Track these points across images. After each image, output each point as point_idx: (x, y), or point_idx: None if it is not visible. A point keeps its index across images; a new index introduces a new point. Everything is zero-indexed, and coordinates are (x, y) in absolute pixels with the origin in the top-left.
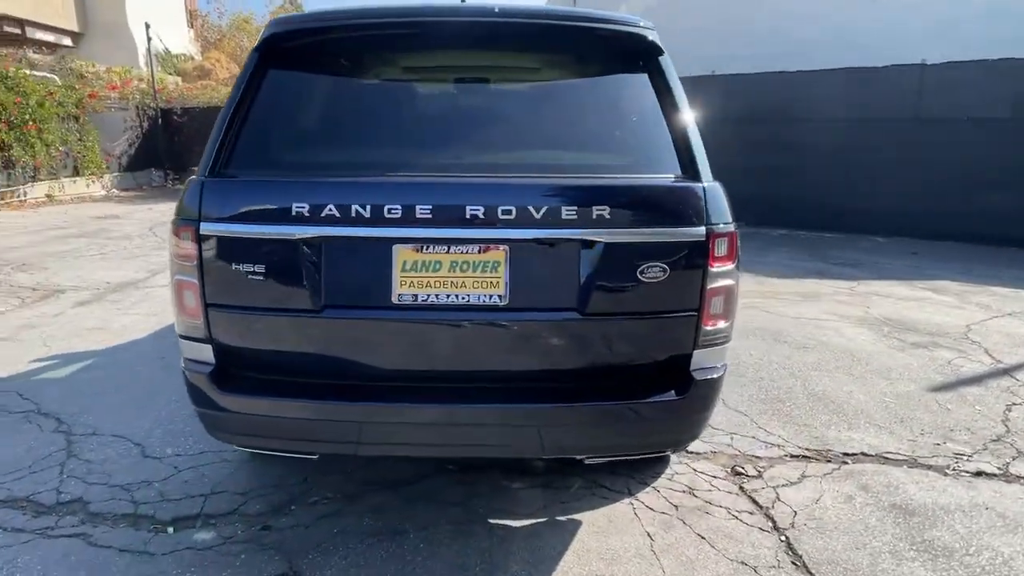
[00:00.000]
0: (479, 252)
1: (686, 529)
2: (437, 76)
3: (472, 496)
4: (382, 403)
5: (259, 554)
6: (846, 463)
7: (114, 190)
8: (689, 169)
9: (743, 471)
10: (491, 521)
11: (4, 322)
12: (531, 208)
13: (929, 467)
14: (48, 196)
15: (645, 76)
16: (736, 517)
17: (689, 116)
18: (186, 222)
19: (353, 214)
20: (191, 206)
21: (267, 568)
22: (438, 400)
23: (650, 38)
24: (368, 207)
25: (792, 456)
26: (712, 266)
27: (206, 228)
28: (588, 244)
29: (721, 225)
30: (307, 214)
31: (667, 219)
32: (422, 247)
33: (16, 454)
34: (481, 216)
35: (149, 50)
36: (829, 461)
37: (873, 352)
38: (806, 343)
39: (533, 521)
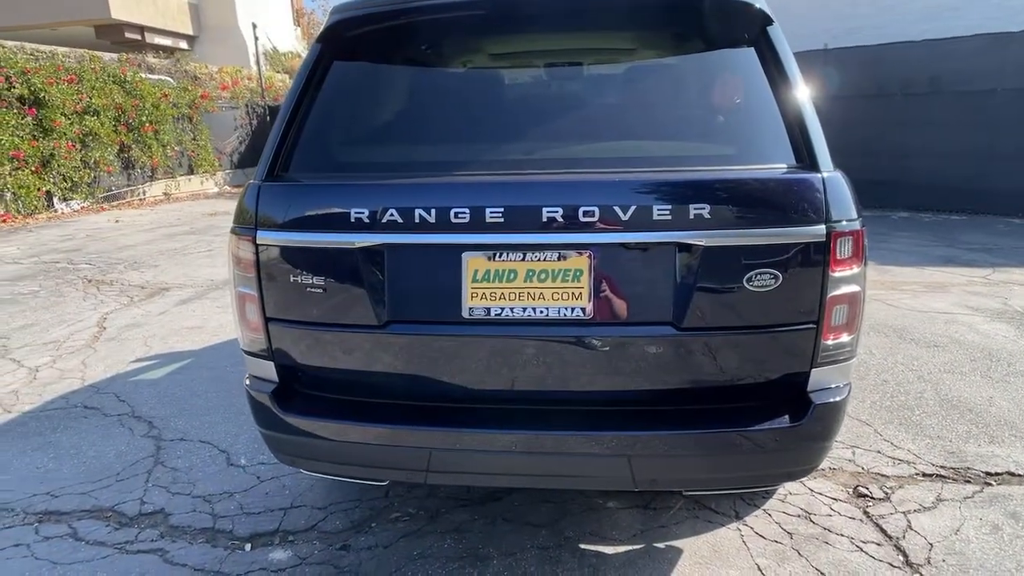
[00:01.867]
0: (558, 259)
1: (802, 562)
2: (512, 62)
3: (561, 517)
4: (452, 428)
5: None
6: (990, 484)
7: (226, 187)
8: (805, 157)
9: (867, 492)
10: (582, 547)
11: (113, 321)
12: (617, 208)
13: None
14: (165, 194)
15: (752, 51)
16: (860, 548)
17: (805, 95)
18: (243, 230)
19: (416, 219)
20: (248, 212)
21: None
22: (514, 426)
23: (757, 6)
24: (432, 211)
25: (924, 475)
26: (834, 270)
27: (263, 236)
28: (685, 248)
29: (845, 222)
30: (367, 220)
31: (778, 217)
32: (494, 255)
33: (107, 460)
34: (559, 219)
35: (257, 50)
36: (969, 482)
37: (1016, 352)
38: (936, 341)
39: (628, 548)
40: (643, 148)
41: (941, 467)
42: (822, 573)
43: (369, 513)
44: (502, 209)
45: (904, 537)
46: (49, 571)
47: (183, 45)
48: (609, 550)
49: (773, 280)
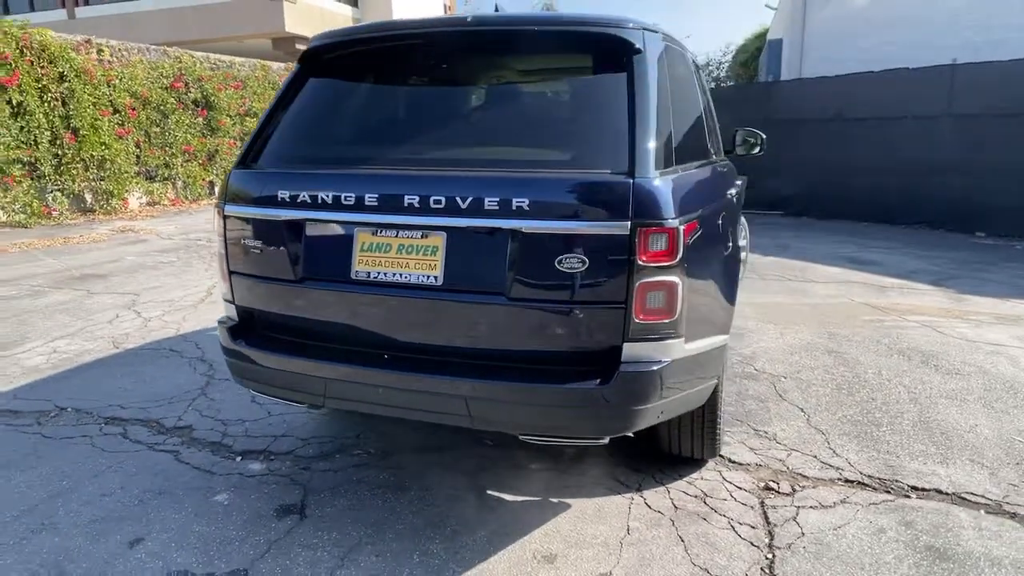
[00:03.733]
0: (421, 237)
1: (671, 530)
2: (418, 81)
3: (485, 469)
4: (339, 364)
5: (286, 487)
6: (907, 497)
7: None
8: (630, 165)
9: (776, 488)
10: (488, 492)
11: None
12: (459, 199)
13: (1012, 515)
14: None
15: (616, 76)
16: (733, 528)
17: (651, 114)
18: (219, 204)
19: (320, 201)
20: (222, 191)
21: (284, 497)
22: (383, 366)
23: (623, 37)
24: (333, 195)
25: (846, 481)
26: (642, 260)
27: (228, 209)
28: (512, 233)
29: (654, 221)
30: (289, 200)
31: (586, 212)
32: (376, 231)
33: (169, 388)
34: (417, 205)
35: None
36: (888, 492)
37: None
38: (960, 369)
39: (526, 498)
40: (503, 152)
41: (868, 476)
42: (682, 539)
43: (338, 447)
44: (378, 196)
45: (782, 525)
46: (98, 455)
47: None
48: (509, 498)
49: (581, 264)
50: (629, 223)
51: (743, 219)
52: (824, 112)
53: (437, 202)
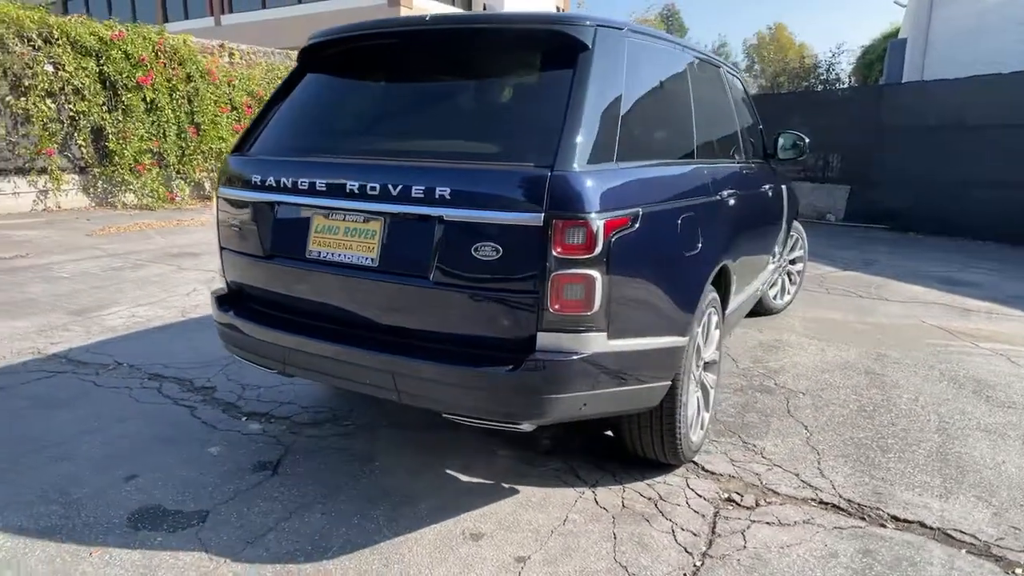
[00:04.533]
0: (363, 222)
1: (608, 526)
2: (379, 77)
3: (456, 451)
4: (295, 335)
5: (271, 446)
6: (882, 526)
7: None
8: (553, 158)
9: (738, 500)
10: (447, 472)
11: None
12: (391, 186)
13: (998, 559)
14: None
15: (560, 72)
16: (672, 533)
17: (589, 110)
18: (216, 186)
19: (283, 185)
20: (219, 174)
21: (265, 455)
22: (327, 339)
23: (570, 34)
24: (293, 181)
25: (820, 502)
26: (556, 251)
27: (222, 191)
28: (436, 220)
29: (571, 214)
30: (259, 184)
31: (501, 202)
32: (328, 214)
33: (210, 355)
34: (357, 191)
35: None
36: (862, 519)
37: None
38: (1016, 403)
39: (480, 481)
40: (443, 145)
41: (846, 500)
42: (616, 536)
43: (330, 417)
44: (326, 182)
45: (727, 536)
46: (131, 404)
47: None
48: (464, 478)
49: (497, 253)
50: (543, 215)
51: (799, 228)
52: (942, 118)
53: (373, 189)
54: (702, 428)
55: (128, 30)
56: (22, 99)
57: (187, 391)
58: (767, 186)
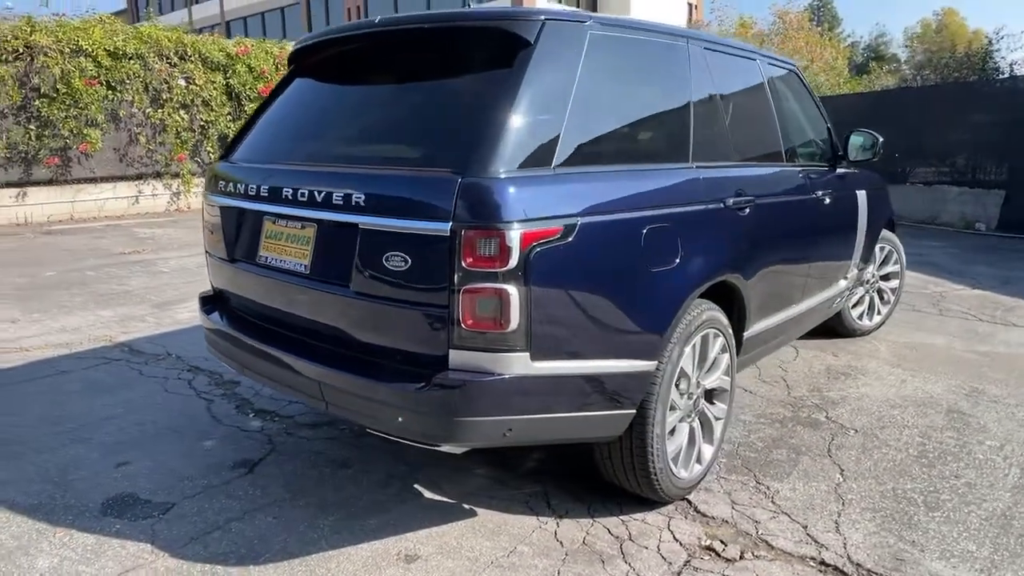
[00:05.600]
0: (300, 228)
1: (553, 563)
2: (333, 80)
3: (432, 465)
4: (247, 337)
5: (260, 445)
6: None
7: None
8: (467, 163)
9: (718, 550)
10: (415, 485)
11: None
12: (316, 192)
13: None
14: None
15: (499, 71)
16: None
17: (519, 110)
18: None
19: (240, 191)
20: (206, 180)
21: (250, 453)
22: (272, 344)
23: (511, 31)
24: (248, 186)
25: (819, 564)
26: (467, 263)
27: (208, 197)
28: (356, 228)
29: (482, 224)
30: (226, 189)
31: (409, 209)
32: (275, 220)
33: None
34: (291, 197)
35: None
36: None
37: None
38: None
39: (442, 499)
40: (375, 150)
41: (854, 565)
42: (559, 574)
43: (330, 420)
44: (270, 188)
45: None
46: (160, 393)
47: None
48: (428, 494)
49: (404, 263)
50: (449, 224)
51: (892, 238)
52: None
53: (303, 195)
54: (699, 463)
55: (253, 46)
56: (159, 111)
57: (213, 384)
58: (825, 192)
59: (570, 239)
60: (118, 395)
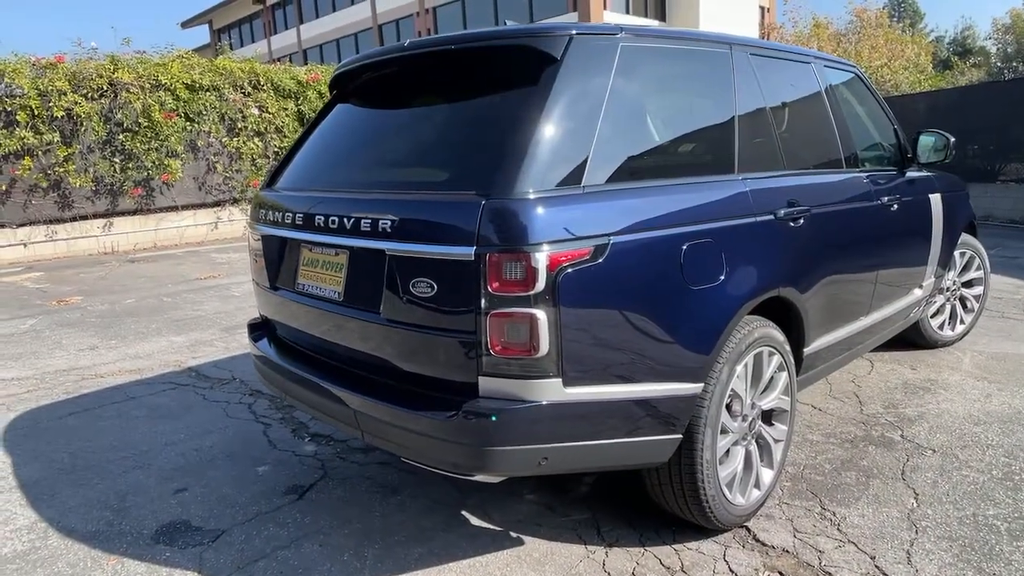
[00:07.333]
0: (335, 255)
1: None
2: (367, 106)
3: (481, 489)
4: (289, 365)
5: (312, 470)
6: None
7: None
8: (492, 185)
9: None
10: (462, 512)
11: None
12: (345, 219)
13: None
14: None
15: (525, 90)
16: None
17: (547, 128)
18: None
19: (279, 219)
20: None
21: (302, 478)
22: (311, 371)
23: (535, 47)
24: (286, 214)
25: None
26: (492, 288)
27: (253, 224)
28: (382, 254)
29: (506, 247)
30: (267, 218)
31: (434, 234)
32: (312, 248)
33: None
34: (323, 225)
35: None
36: None
37: None
38: None
39: (489, 526)
40: (405, 173)
41: None
42: None
43: None
44: (303, 215)
45: None
46: (222, 418)
47: None
48: (475, 521)
49: (429, 289)
50: (474, 248)
51: (974, 243)
52: None
53: (334, 222)
54: (758, 488)
55: (322, 72)
56: (235, 139)
57: (272, 409)
58: (892, 197)
59: (601, 260)
60: (181, 420)
